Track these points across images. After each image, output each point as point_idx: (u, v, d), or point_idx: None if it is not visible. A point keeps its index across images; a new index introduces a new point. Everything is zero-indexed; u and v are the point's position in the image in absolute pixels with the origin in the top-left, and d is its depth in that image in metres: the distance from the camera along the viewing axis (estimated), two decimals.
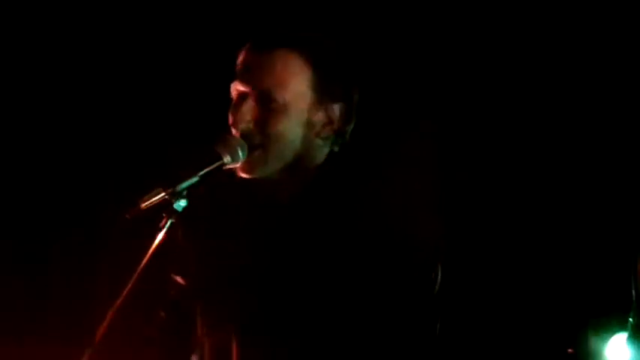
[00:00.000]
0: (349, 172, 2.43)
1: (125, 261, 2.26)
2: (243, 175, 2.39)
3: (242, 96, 2.37)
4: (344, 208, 2.37)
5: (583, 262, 3.55)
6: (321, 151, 2.43)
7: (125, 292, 2.18)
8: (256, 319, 2.39)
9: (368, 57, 3.14)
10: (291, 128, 2.36)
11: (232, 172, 2.37)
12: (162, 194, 2.21)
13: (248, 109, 2.35)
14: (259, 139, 2.35)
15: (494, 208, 3.60)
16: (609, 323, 3.35)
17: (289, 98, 2.35)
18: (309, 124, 2.39)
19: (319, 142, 2.42)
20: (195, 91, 3.66)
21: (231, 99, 2.41)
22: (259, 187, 2.43)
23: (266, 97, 2.35)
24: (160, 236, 2.21)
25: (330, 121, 2.41)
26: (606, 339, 3.32)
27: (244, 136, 2.34)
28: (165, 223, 2.21)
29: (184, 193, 2.23)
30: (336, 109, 2.42)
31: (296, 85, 2.36)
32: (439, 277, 2.36)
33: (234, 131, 2.37)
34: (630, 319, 2.99)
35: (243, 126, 2.35)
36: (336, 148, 2.44)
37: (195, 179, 2.26)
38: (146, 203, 2.19)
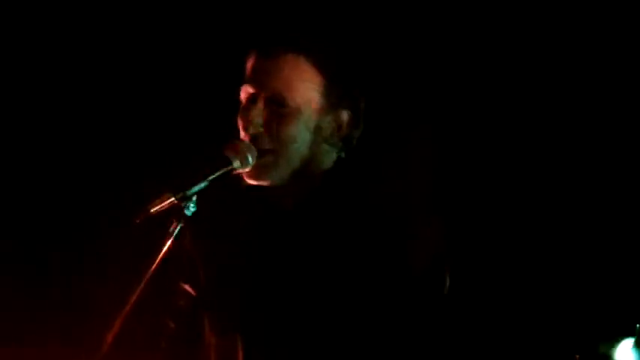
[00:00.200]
0: (356, 177, 2.42)
1: (130, 264, 2.25)
2: (252, 182, 2.37)
3: (252, 100, 2.36)
4: (350, 214, 2.36)
5: (591, 267, 3.54)
6: (328, 157, 2.42)
7: (134, 299, 2.17)
8: (262, 327, 2.38)
9: (372, 62, 3.13)
10: (301, 133, 2.36)
11: (238, 176, 2.36)
12: (172, 199, 2.19)
13: (258, 112, 2.34)
14: (269, 144, 2.34)
15: (502, 211, 3.59)
16: (617, 329, 3.34)
17: (299, 102, 2.35)
18: (317, 130, 2.38)
19: (327, 147, 2.41)
20: (204, 96, 3.65)
21: (239, 104, 2.41)
22: (265, 193, 2.42)
23: (277, 100, 2.34)
24: (170, 242, 2.20)
25: (338, 127, 2.41)
26: (614, 345, 3.31)
27: (254, 140, 2.33)
28: (175, 228, 2.19)
29: (194, 198, 2.22)
30: (345, 114, 2.41)
31: (306, 90, 2.36)
32: (447, 280, 2.36)
33: (243, 135, 2.36)
34: (638, 325, 2.99)
35: (253, 130, 2.34)
36: (342, 154, 2.44)
37: (204, 184, 2.25)
38: (156, 208, 2.18)
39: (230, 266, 2.44)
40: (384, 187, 2.42)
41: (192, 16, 3.74)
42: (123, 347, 2.18)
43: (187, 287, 2.51)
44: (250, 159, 2.32)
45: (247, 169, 2.33)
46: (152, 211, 2.17)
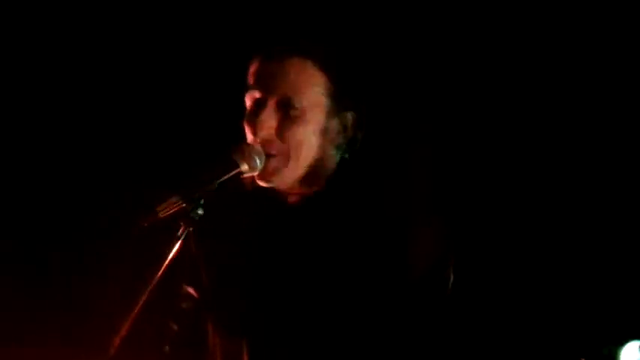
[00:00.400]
0: (359, 178, 2.43)
1: (132, 265, 2.24)
2: (261, 184, 2.37)
3: (260, 104, 2.36)
4: (354, 215, 2.37)
5: (596, 269, 3.54)
6: (334, 159, 2.42)
7: (141, 301, 2.16)
8: (267, 328, 2.38)
9: (374, 64, 3.14)
10: (309, 136, 2.36)
11: (242, 179, 2.36)
12: (181, 202, 2.19)
13: (268, 116, 2.34)
14: (279, 147, 2.34)
15: (506, 212, 3.59)
16: (622, 331, 3.35)
17: (307, 105, 2.35)
18: (324, 132, 2.38)
19: (332, 149, 2.41)
20: (212, 99, 3.65)
21: (244, 108, 2.40)
22: (270, 195, 2.42)
23: (285, 103, 2.33)
24: (178, 245, 2.19)
25: (343, 129, 2.41)
26: (619, 347, 3.31)
27: (264, 143, 2.33)
28: (184, 231, 2.18)
29: (202, 201, 2.21)
30: (349, 116, 2.41)
31: (313, 93, 2.36)
32: (450, 281, 2.36)
33: (251, 139, 2.36)
34: None
35: (263, 133, 2.33)
36: (346, 155, 2.43)
37: (212, 188, 2.24)
38: (164, 211, 2.17)
39: (233, 267, 2.44)
40: (387, 187, 2.43)
41: (195, 17, 3.74)
42: (126, 350, 2.18)
43: (190, 289, 2.50)
44: (258, 162, 2.32)
45: (255, 173, 2.33)
46: (161, 214, 2.17)
